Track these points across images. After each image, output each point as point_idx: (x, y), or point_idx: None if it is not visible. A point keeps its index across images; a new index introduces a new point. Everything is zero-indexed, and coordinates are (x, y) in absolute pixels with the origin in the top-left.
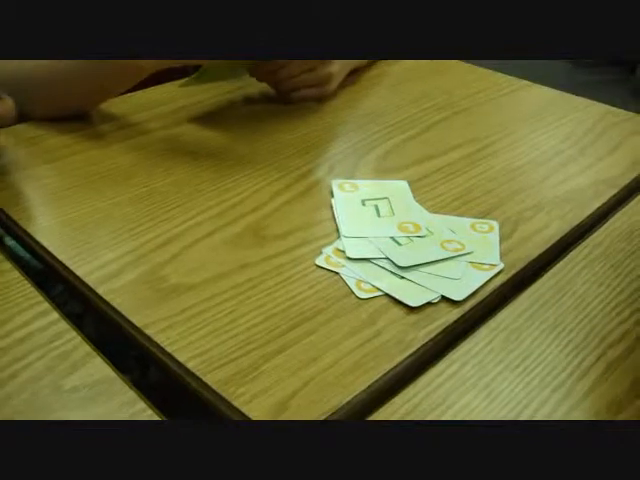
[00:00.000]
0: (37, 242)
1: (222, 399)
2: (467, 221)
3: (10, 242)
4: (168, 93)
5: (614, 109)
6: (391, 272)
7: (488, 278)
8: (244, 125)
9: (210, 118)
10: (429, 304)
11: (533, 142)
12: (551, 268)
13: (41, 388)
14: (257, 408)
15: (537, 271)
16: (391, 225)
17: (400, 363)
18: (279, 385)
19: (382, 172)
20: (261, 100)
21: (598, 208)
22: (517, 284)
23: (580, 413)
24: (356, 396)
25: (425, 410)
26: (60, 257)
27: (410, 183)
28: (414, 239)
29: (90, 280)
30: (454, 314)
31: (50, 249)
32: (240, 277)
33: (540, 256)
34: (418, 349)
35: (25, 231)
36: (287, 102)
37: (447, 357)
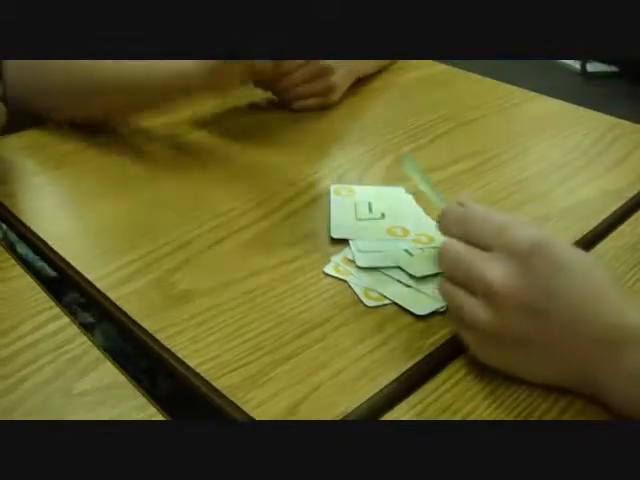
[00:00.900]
0: (50, 248)
1: (232, 404)
2: None
3: (22, 249)
4: None
5: (621, 121)
6: (398, 281)
7: None
8: (253, 133)
9: (219, 126)
10: (436, 313)
11: (540, 154)
12: None
13: (51, 392)
14: (266, 413)
15: None
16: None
17: (407, 370)
18: (288, 391)
19: (389, 182)
20: (269, 108)
21: (604, 220)
22: None
23: (590, 416)
24: (364, 403)
25: (431, 417)
26: (72, 263)
27: (415, 194)
28: (425, 249)
29: (101, 286)
30: None
31: (62, 255)
32: (250, 284)
33: None
34: (425, 357)
35: (38, 237)
36: (290, 110)
37: (453, 364)
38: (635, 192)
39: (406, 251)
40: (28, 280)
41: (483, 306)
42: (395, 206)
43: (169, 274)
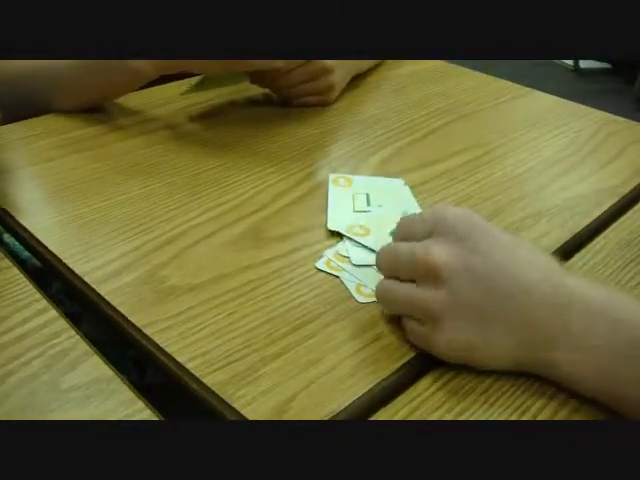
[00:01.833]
0: (37, 240)
1: (221, 401)
2: None
3: (9, 240)
4: (169, 94)
5: (615, 117)
6: None
7: None
8: (246, 127)
9: (212, 119)
10: None
11: (534, 149)
12: None
13: (39, 386)
14: (256, 410)
15: None
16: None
17: (400, 367)
18: (279, 388)
19: (383, 176)
20: (264, 102)
21: (599, 216)
22: None
23: (579, 418)
24: (355, 400)
25: (424, 414)
26: (60, 256)
27: (413, 187)
28: None
29: (90, 279)
30: None
31: (50, 247)
32: (240, 279)
33: None
34: (418, 354)
35: (25, 229)
36: (288, 106)
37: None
38: (629, 189)
39: None
40: (15, 272)
41: (431, 286)
42: (393, 198)
43: (159, 269)
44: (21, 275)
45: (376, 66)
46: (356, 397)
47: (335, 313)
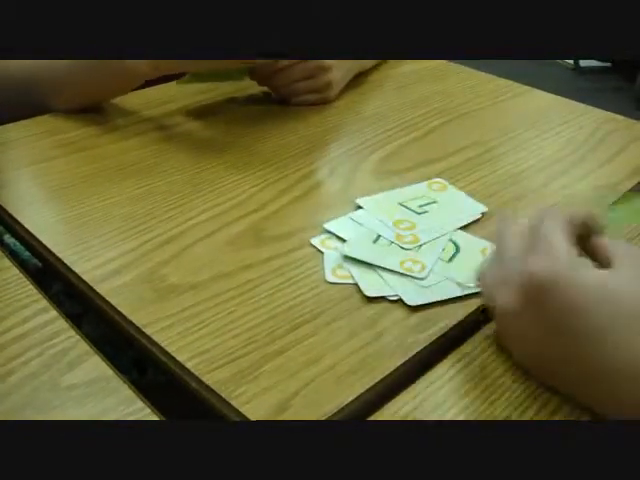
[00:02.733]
0: (37, 240)
1: (221, 399)
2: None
3: (9, 240)
4: (169, 92)
5: (615, 115)
6: (375, 267)
7: (458, 294)
8: (246, 125)
9: (212, 118)
10: (430, 307)
11: (534, 147)
12: None
13: (39, 385)
14: (256, 409)
15: None
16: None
17: (401, 366)
18: (279, 386)
19: (382, 175)
20: (263, 101)
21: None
22: None
23: (581, 415)
24: (356, 398)
25: (425, 412)
26: (60, 255)
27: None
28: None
29: (89, 278)
30: (454, 317)
31: (50, 247)
32: (240, 278)
33: None
34: (419, 352)
35: (24, 228)
36: (287, 104)
37: (448, 359)
38: (629, 187)
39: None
40: (15, 272)
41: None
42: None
43: (158, 268)
44: (21, 275)
45: (377, 65)
46: (356, 395)
47: (335, 312)
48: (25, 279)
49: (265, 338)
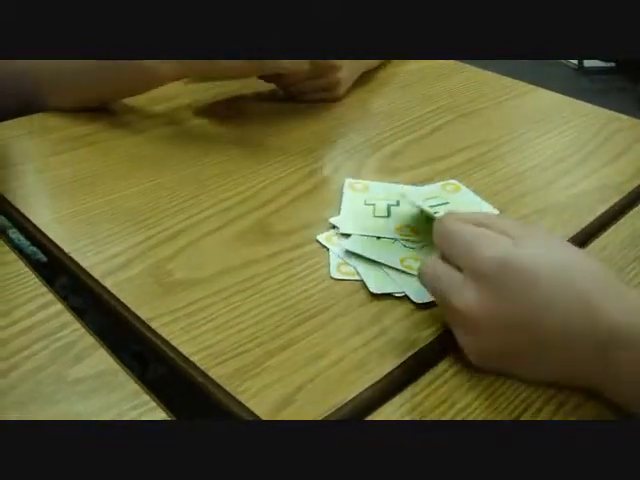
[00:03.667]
0: (43, 234)
1: (226, 393)
2: None
3: (14, 234)
4: (178, 88)
5: (619, 115)
6: (379, 264)
7: None
8: (252, 122)
9: (219, 114)
10: (434, 304)
11: (538, 146)
12: None
13: (44, 378)
14: (260, 403)
15: None
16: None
17: (404, 362)
18: (283, 381)
19: (388, 173)
20: (270, 97)
21: (603, 214)
22: None
23: (582, 414)
24: (360, 394)
25: (427, 409)
26: (66, 249)
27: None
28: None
29: (96, 272)
30: None
31: (56, 241)
32: (246, 273)
33: None
34: (422, 348)
35: (31, 222)
36: (294, 101)
37: (450, 356)
38: (634, 186)
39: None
40: (21, 266)
41: (464, 333)
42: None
43: (164, 262)
44: (27, 269)
45: (384, 63)
46: (360, 391)
47: (340, 307)
48: (31, 273)
49: (270, 333)
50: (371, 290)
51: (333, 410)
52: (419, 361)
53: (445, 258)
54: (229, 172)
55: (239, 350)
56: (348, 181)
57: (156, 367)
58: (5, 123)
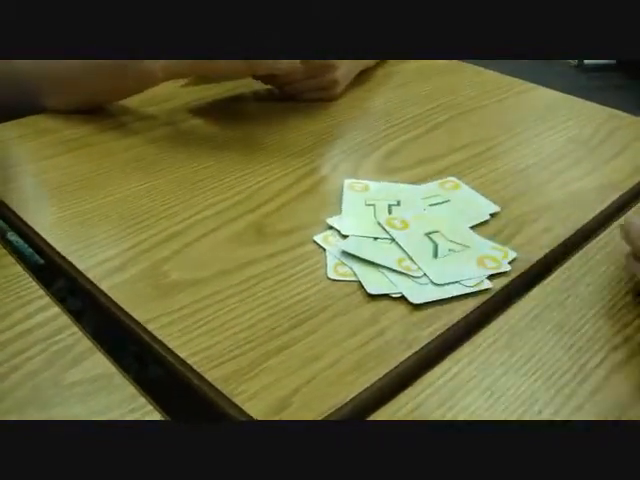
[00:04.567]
0: (39, 236)
1: (223, 396)
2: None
3: (12, 237)
4: (173, 90)
5: (619, 112)
6: (377, 266)
7: (461, 293)
8: (248, 122)
9: (215, 114)
10: (432, 305)
11: (538, 144)
12: (555, 270)
13: (41, 382)
14: (258, 405)
15: (541, 273)
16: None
17: (403, 362)
18: (280, 383)
19: (386, 172)
20: (267, 97)
21: (602, 211)
22: (521, 285)
23: (583, 415)
24: (358, 395)
25: (428, 409)
26: (62, 252)
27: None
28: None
29: (92, 275)
30: (457, 315)
31: (52, 244)
32: (242, 274)
33: (544, 258)
34: (421, 348)
35: (27, 226)
36: (291, 101)
37: (450, 357)
38: (633, 184)
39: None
40: (18, 269)
41: None
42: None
43: (160, 264)
44: (24, 272)
45: (382, 62)
46: (358, 392)
47: (337, 308)
48: (28, 276)
49: (266, 335)
50: (368, 291)
51: (330, 412)
52: (418, 362)
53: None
54: (224, 173)
55: (235, 352)
56: (348, 182)
57: (155, 368)
58: (1, 125)
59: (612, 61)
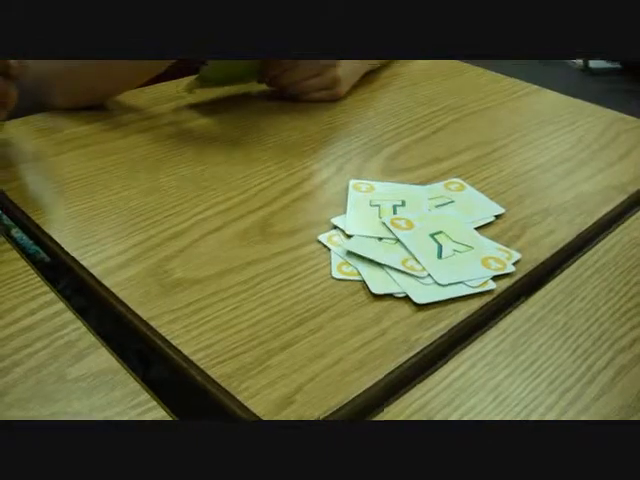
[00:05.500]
0: (45, 233)
1: (226, 393)
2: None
3: (17, 234)
4: (177, 89)
5: (624, 116)
6: (380, 265)
7: (465, 293)
8: (254, 122)
9: (220, 114)
10: (435, 305)
11: (543, 147)
12: (561, 272)
13: (45, 377)
14: (260, 403)
15: (545, 275)
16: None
17: (405, 363)
18: (283, 381)
19: (391, 172)
20: (272, 98)
21: (606, 214)
22: (525, 287)
23: (588, 418)
24: (360, 394)
25: (433, 410)
26: (67, 249)
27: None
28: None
29: (96, 272)
30: (460, 315)
31: (57, 240)
32: (246, 273)
33: (547, 260)
34: (423, 349)
35: (33, 222)
36: (296, 102)
37: (456, 358)
38: (638, 187)
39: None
40: (23, 264)
41: None
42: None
43: (165, 262)
44: (29, 267)
45: (387, 63)
46: (360, 392)
47: (340, 308)
48: (33, 271)
49: (270, 333)
50: (372, 290)
51: (332, 411)
52: (420, 362)
53: None
54: (229, 173)
55: (239, 350)
56: (353, 182)
57: (159, 366)
58: (7, 123)
59: (618, 65)
